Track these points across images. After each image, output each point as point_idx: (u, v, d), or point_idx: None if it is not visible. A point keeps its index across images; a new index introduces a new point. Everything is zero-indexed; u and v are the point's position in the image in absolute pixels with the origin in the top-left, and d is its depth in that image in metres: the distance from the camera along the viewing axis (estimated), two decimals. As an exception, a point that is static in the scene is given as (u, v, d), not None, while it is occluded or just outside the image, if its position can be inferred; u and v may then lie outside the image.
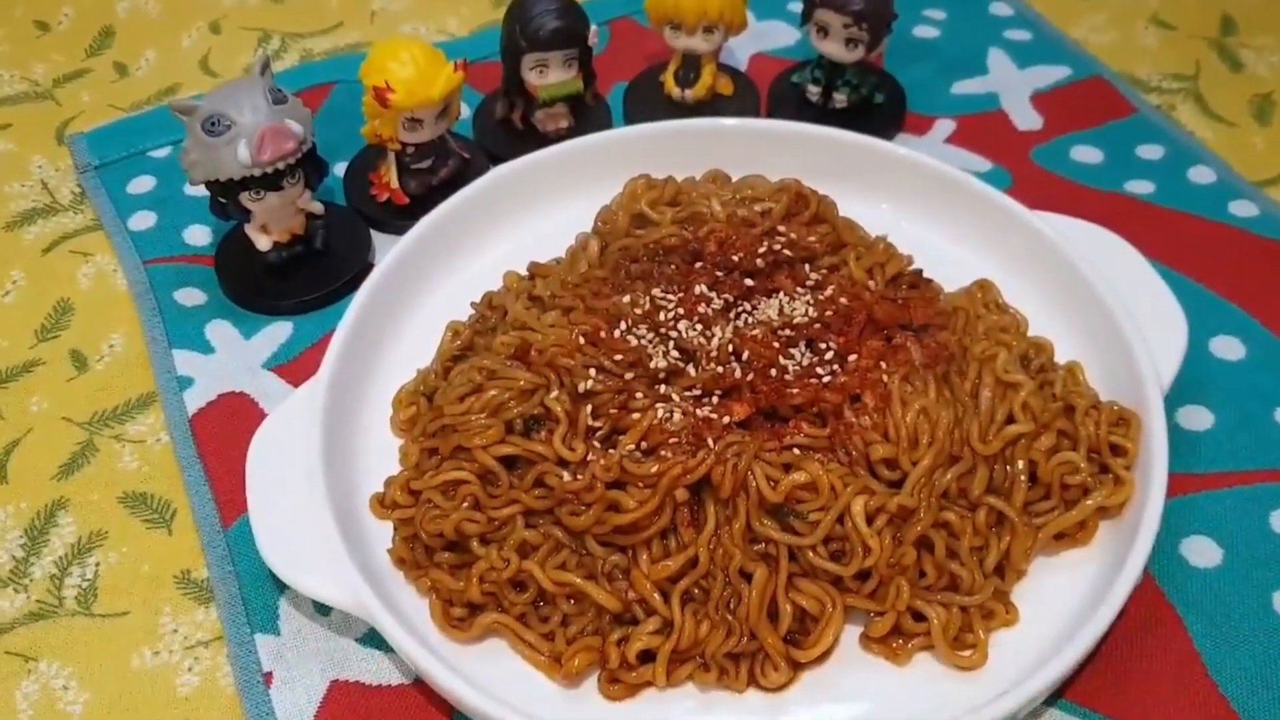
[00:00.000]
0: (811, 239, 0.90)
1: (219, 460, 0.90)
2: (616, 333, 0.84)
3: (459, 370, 0.89)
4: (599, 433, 0.81)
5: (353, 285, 1.02)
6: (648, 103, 1.16)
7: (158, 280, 1.03)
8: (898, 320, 0.86)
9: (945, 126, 1.14)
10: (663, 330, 0.83)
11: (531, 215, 1.04)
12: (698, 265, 0.87)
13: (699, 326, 0.83)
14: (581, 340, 0.84)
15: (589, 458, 0.80)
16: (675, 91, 1.13)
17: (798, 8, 1.24)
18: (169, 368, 0.97)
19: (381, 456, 0.89)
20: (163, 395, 0.95)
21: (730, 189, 0.96)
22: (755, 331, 0.83)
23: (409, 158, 1.05)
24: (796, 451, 0.79)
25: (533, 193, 1.04)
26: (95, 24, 1.25)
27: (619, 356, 0.82)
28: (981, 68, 1.19)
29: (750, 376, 0.81)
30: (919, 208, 1.02)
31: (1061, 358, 0.90)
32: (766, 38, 1.21)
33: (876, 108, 1.14)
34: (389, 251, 0.97)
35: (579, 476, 0.79)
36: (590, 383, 0.82)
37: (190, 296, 1.02)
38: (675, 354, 0.83)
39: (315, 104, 1.16)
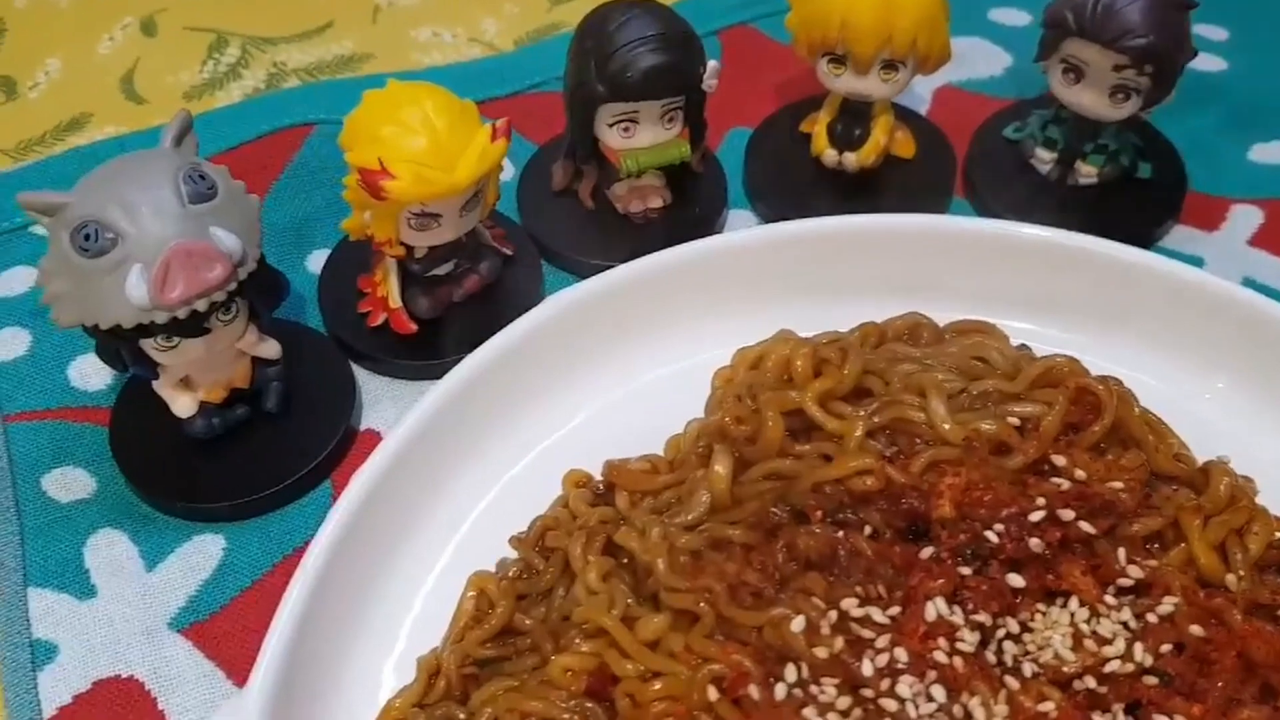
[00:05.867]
0: (1116, 485, 0.51)
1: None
2: (780, 689, 0.45)
3: (487, 697, 0.51)
4: None
5: (325, 471, 0.64)
6: (782, 167, 0.77)
7: (22, 449, 0.66)
8: (1286, 661, 0.47)
9: (1246, 217, 0.75)
10: (867, 695, 0.45)
11: (610, 367, 0.66)
12: (925, 550, 0.48)
13: (937, 691, 0.45)
14: (713, 695, 0.45)
15: None
16: (829, 154, 0.74)
17: (1011, 15, 0.84)
18: (20, 623, 0.60)
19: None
20: (5, 675, 0.58)
21: (950, 362, 0.56)
22: (1046, 705, 0.44)
23: (419, 264, 0.66)
24: None
25: (612, 331, 0.66)
26: (-22, 14, 0.86)
27: (786, 744, 0.44)
28: (1295, 122, 0.79)
29: (1043, 808, 0.42)
30: (1240, 384, 0.62)
31: None
32: (962, 62, 0.80)
33: (1140, 184, 0.74)
34: (391, 432, 0.59)
35: None
36: (729, 782, 0.44)
37: (68, 484, 0.65)
38: (894, 747, 0.44)
39: (283, 157, 0.77)
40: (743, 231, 0.68)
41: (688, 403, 0.63)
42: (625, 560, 0.55)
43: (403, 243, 0.65)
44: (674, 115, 0.68)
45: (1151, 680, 0.46)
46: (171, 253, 0.54)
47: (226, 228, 0.56)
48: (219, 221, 0.56)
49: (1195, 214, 0.75)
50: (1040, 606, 0.48)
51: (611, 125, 0.68)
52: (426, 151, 0.59)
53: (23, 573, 0.61)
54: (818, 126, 0.74)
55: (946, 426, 0.51)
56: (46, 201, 0.56)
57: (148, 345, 0.59)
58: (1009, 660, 0.46)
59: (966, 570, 0.47)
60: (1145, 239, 0.72)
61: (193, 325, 0.57)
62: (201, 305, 0.56)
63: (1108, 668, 0.46)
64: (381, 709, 0.55)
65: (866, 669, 0.45)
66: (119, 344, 0.59)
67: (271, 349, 0.64)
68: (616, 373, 0.66)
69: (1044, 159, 0.74)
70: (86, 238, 0.55)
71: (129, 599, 0.60)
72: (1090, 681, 0.46)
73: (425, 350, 0.68)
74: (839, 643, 0.45)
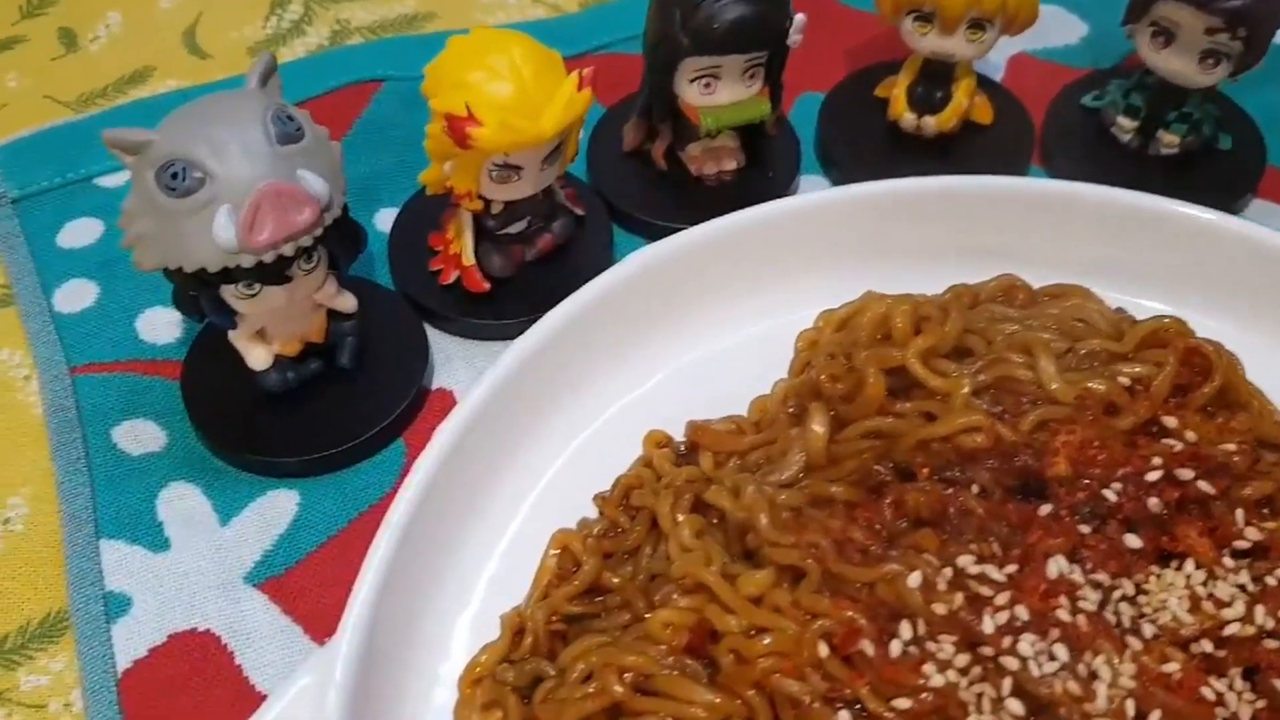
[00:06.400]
0: (1229, 447, 0.49)
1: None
2: (895, 645, 0.44)
3: (579, 652, 0.50)
4: (850, 832, 0.42)
5: (397, 429, 0.63)
6: (856, 132, 0.76)
7: (91, 401, 0.65)
8: None
9: (1324, 190, 0.72)
10: (987, 651, 0.44)
11: (687, 328, 0.65)
12: (1043, 508, 0.47)
13: (1061, 649, 0.44)
14: (824, 652, 0.44)
15: None
16: (908, 118, 0.73)
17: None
18: (93, 574, 0.59)
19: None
20: (78, 626, 0.57)
21: (1051, 323, 0.55)
22: (1171, 666, 0.43)
23: (494, 221, 0.65)
24: None
25: (690, 292, 0.64)
26: (38, -32, 0.85)
27: (904, 703, 0.43)
28: (1374, 94, 0.77)
29: (1169, 769, 0.41)
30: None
31: None
32: (1037, 30, 0.78)
33: (1219, 156, 0.73)
34: (473, 388, 0.58)
35: None
36: (840, 738, 0.43)
37: (139, 436, 0.64)
38: (1016, 706, 0.43)
39: (350, 113, 0.76)
40: (826, 191, 0.66)
41: (765, 366, 0.62)
42: (715, 520, 0.54)
43: (480, 196, 0.63)
44: (755, 72, 0.67)
45: (1272, 644, 0.45)
46: (261, 194, 0.53)
47: (314, 170, 0.55)
48: (307, 164, 0.55)
49: (1274, 189, 0.73)
50: (1154, 569, 0.47)
51: (692, 81, 0.67)
52: (513, 99, 0.58)
53: (94, 524, 0.60)
54: (896, 89, 0.73)
55: (1055, 385, 0.50)
56: (131, 139, 0.55)
57: (228, 293, 0.58)
58: (1126, 622, 0.45)
59: (1085, 529, 0.46)
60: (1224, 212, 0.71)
61: (276, 271, 0.56)
62: (288, 250, 0.55)
63: (1226, 630, 0.45)
64: (467, 665, 0.54)
65: (987, 626, 0.44)
66: (200, 290, 0.58)
67: (349, 302, 0.63)
68: (693, 335, 0.64)
69: (1125, 127, 0.73)
70: (174, 176, 0.53)
71: (203, 552, 0.59)
72: (1207, 645, 0.45)
73: (496, 309, 0.67)
74: (958, 599, 0.44)
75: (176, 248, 0.54)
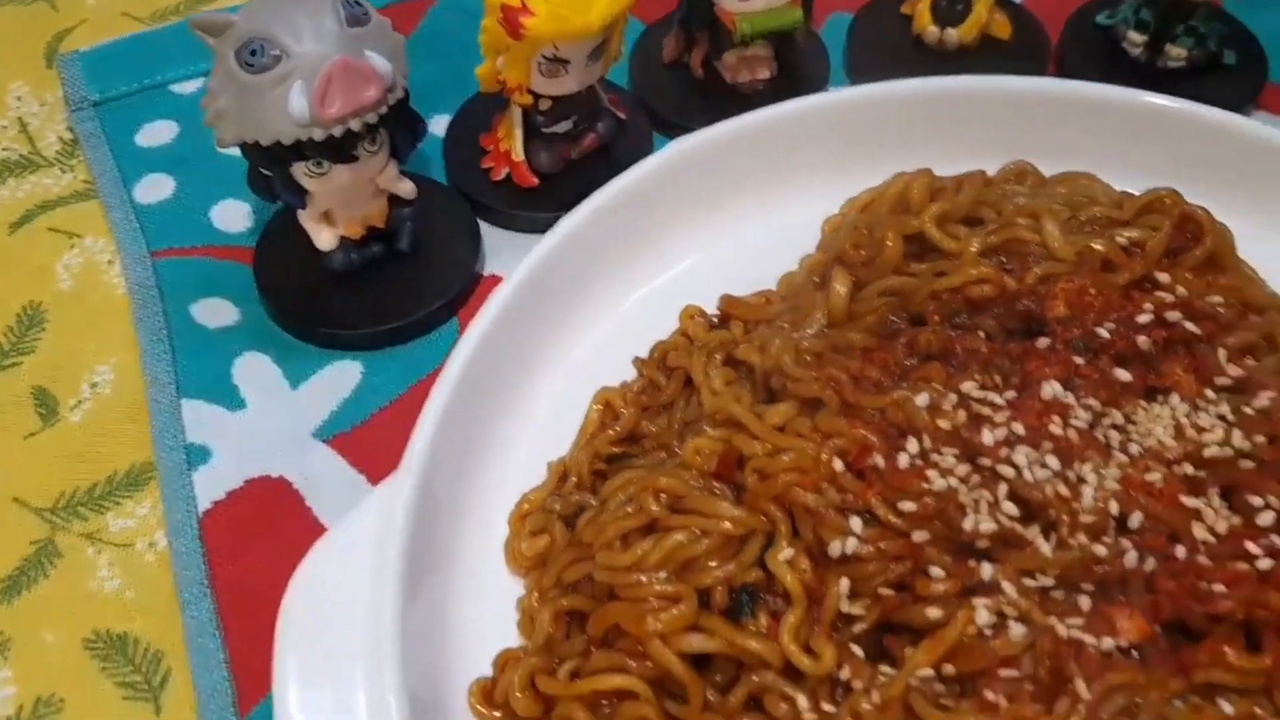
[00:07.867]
0: (1215, 299, 0.54)
1: (239, 594, 0.58)
2: (902, 458, 0.49)
3: (620, 483, 0.55)
4: (858, 627, 0.47)
5: (452, 309, 0.68)
6: (883, 46, 0.81)
7: (170, 282, 0.70)
8: (1375, 457, 0.50)
9: (1326, 107, 0.76)
10: (986, 462, 0.48)
11: (720, 215, 0.69)
12: (1041, 341, 0.52)
13: (1053, 459, 0.48)
14: (839, 466, 0.49)
15: (844, 675, 0.46)
16: (930, 31, 0.77)
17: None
18: (174, 429, 0.64)
19: (493, 607, 0.56)
20: (162, 474, 0.63)
21: (1060, 200, 0.60)
22: (1153, 476, 0.48)
23: (543, 117, 0.70)
24: (1226, 708, 0.44)
25: (724, 181, 0.69)
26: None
27: (908, 504, 0.48)
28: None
29: (1149, 563, 0.46)
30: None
31: None
32: (1054, -48, 0.83)
33: (1223, 70, 0.77)
34: (516, 266, 0.63)
35: (825, 708, 0.45)
36: (850, 542, 0.48)
37: (215, 312, 0.69)
38: (1010, 508, 0.48)
39: (407, 27, 0.81)
40: (853, 88, 0.71)
41: (794, 251, 0.66)
42: (743, 375, 0.59)
43: (530, 91, 0.68)
44: (792, -19, 0.72)
45: (1248, 464, 0.49)
46: (333, 66, 0.58)
47: (379, 52, 0.60)
48: (373, 45, 0.60)
49: (1274, 102, 0.77)
50: (1141, 403, 0.51)
51: (731, -11, 0.72)
52: (565, -11, 0.63)
53: (175, 385, 0.65)
54: (921, 4, 0.77)
55: (1057, 245, 0.55)
56: (215, 20, 0.60)
57: (299, 171, 0.63)
58: (1115, 444, 0.50)
59: (1079, 360, 0.51)
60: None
61: (344, 148, 0.61)
62: (355, 125, 0.60)
63: (1206, 453, 0.49)
64: (516, 504, 0.59)
65: (986, 439, 0.48)
66: (273, 168, 0.63)
67: (407, 187, 0.68)
68: (725, 222, 0.69)
69: (1134, 41, 0.77)
70: (252, 54, 0.58)
71: (276, 411, 0.65)
72: (1189, 468, 0.49)
73: (544, 203, 0.72)
74: (960, 416, 0.49)
75: (254, 121, 0.60)
